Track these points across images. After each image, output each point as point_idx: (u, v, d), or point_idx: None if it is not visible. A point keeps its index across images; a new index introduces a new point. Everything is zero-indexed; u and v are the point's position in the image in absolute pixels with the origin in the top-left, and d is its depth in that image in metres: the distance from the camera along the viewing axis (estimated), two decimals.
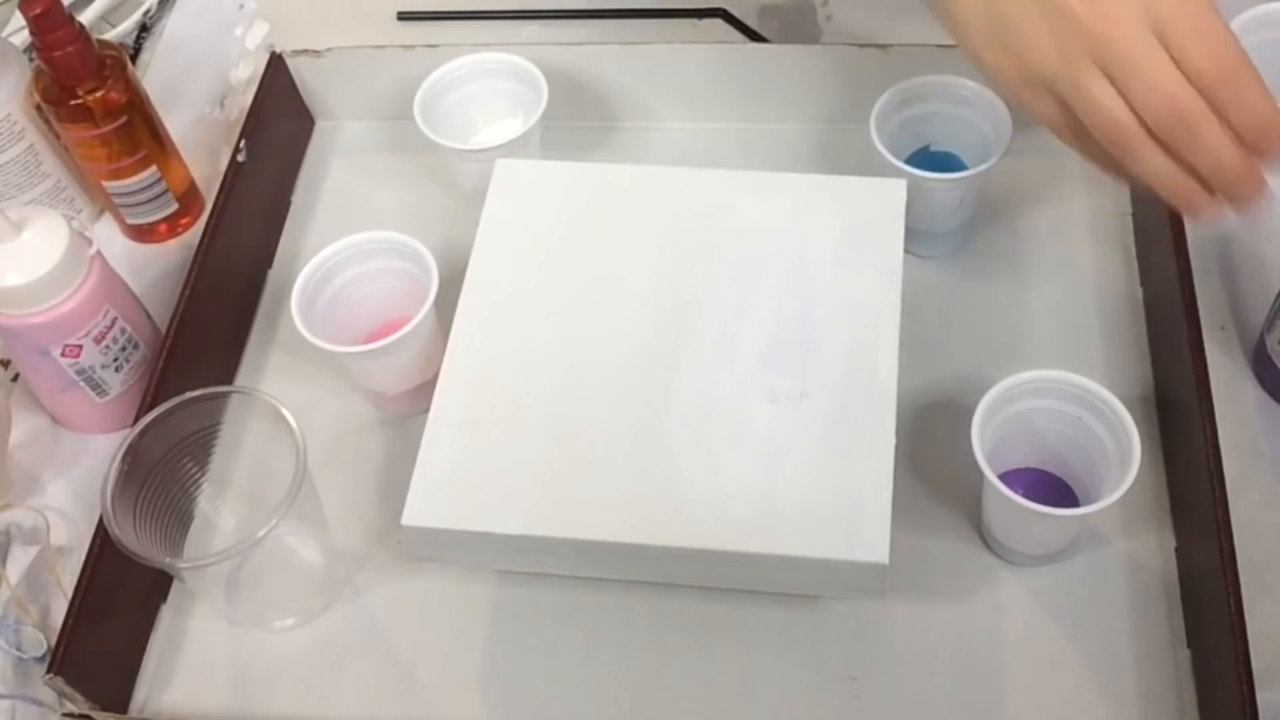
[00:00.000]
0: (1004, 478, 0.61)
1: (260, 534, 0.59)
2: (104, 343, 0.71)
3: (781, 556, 0.57)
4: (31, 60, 0.77)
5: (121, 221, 0.83)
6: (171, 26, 0.96)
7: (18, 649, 0.66)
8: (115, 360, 0.72)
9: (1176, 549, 0.65)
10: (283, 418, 0.62)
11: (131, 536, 0.60)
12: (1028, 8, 0.56)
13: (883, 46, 0.79)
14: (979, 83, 0.73)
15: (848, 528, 0.57)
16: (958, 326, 0.74)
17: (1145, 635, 0.63)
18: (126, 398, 0.73)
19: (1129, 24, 0.53)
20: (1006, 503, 0.59)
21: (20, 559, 0.69)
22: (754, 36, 0.88)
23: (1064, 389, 0.63)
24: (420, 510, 0.59)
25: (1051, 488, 0.66)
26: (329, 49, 0.84)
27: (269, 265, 0.82)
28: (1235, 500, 0.61)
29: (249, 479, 0.67)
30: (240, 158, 0.79)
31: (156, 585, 0.69)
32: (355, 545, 0.69)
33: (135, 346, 0.73)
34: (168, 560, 0.63)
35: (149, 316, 0.75)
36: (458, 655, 0.65)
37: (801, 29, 0.89)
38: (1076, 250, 0.76)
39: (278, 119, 0.84)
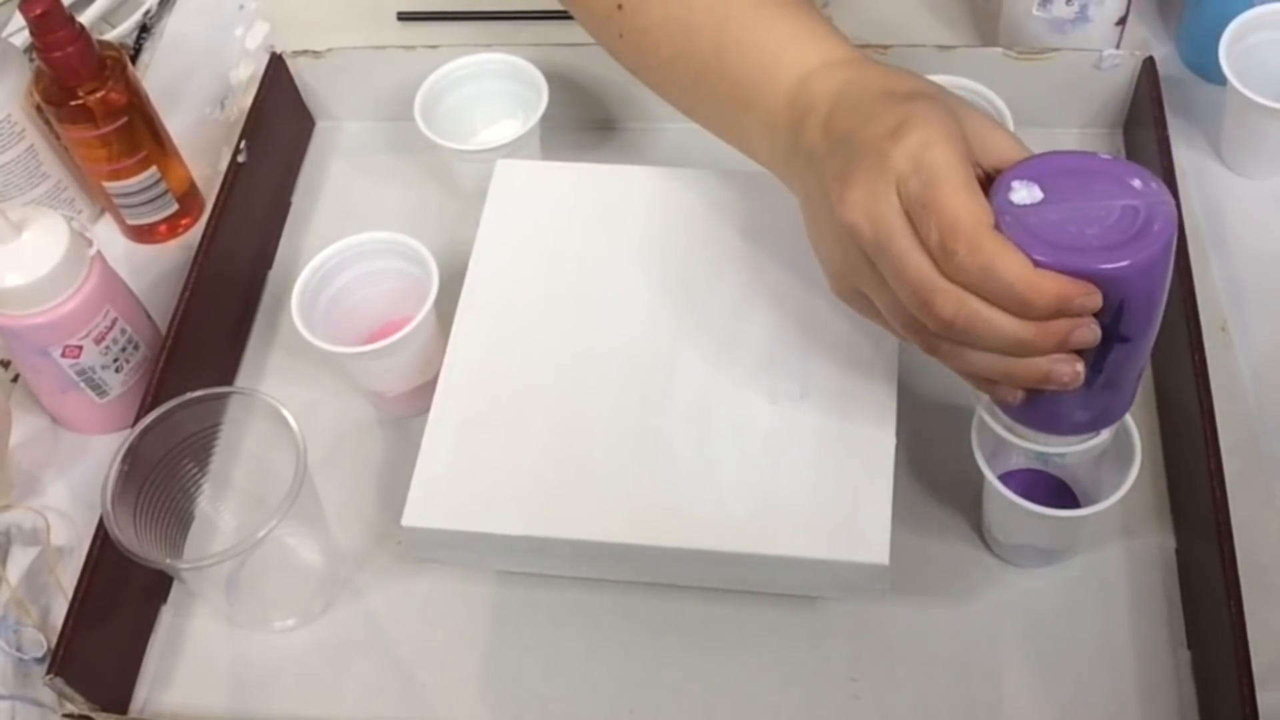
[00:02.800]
0: (1004, 478, 0.61)
1: (260, 534, 0.59)
2: (104, 343, 0.71)
3: (781, 557, 0.57)
4: (32, 61, 0.77)
5: (121, 222, 0.83)
6: (171, 27, 0.96)
7: (18, 650, 0.66)
8: (115, 361, 0.72)
9: (1176, 549, 0.65)
10: (283, 418, 0.62)
11: (131, 537, 0.60)
12: (823, 215, 0.53)
13: (882, 47, 0.79)
14: (979, 83, 0.73)
15: (848, 528, 0.57)
16: None
17: (1145, 635, 0.63)
18: (127, 398, 0.73)
19: (883, 219, 0.49)
20: (1007, 503, 0.59)
21: (20, 560, 0.69)
22: None
23: None
24: (420, 511, 0.59)
25: (1051, 488, 0.66)
26: (329, 49, 0.84)
27: (269, 266, 0.82)
28: (1235, 500, 0.61)
29: (249, 479, 0.67)
30: (240, 158, 0.79)
31: (156, 586, 0.69)
32: (355, 546, 0.69)
33: (135, 347, 0.73)
34: (168, 561, 0.63)
35: (149, 317, 0.75)
36: (458, 655, 0.65)
37: None
38: None
39: (278, 119, 0.84)
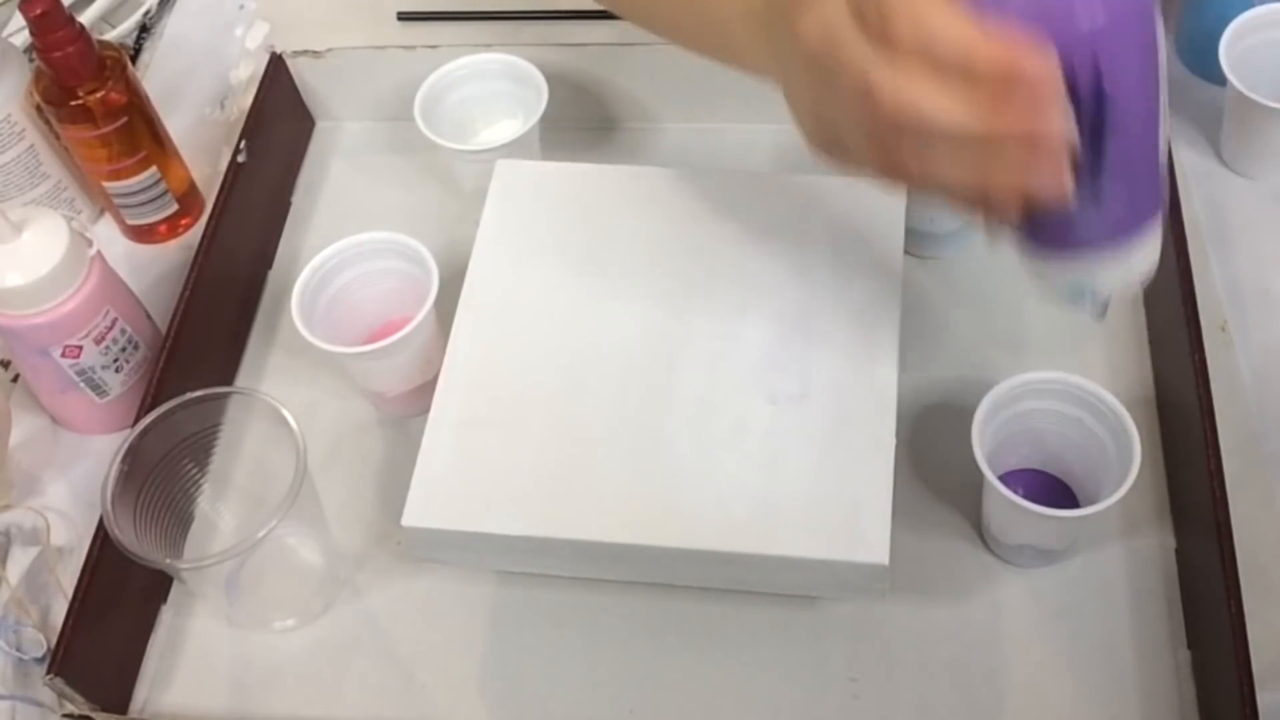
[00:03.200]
0: (1004, 478, 0.61)
1: (260, 534, 0.59)
2: (104, 343, 0.71)
3: (781, 557, 0.57)
4: (32, 61, 0.77)
5: (121, 222, 0.83)
6: (171, 27, 0.96)
7: (18, 650, 0.66)
8: (115, 361, 0.72)
9: (1176, 549, 0.65)
10: (283, 418, 0.62)
11: (131, 537, 0.60)
12: (794, 67, 0.50)
13: None
14: None
15: (848, 528, 0.57)
16: (958, 327, 0.74)
17: (1145, 635, 0.63)
18: (126, 398, 0.73)
19: (830, 23, 0.45)
20: (1006, 503, 0.59)
21: (20, 559, 0.69)
22: None
23: (1064, 390, 0.63)
24: (420, 511, 0.59)
25: (1052, 489, 0.66)
26: (329, 49, 0.84)
27: (269, 265, 0.82)
28: (1235, 500, 0.61)
29: (249, 479, 0.67)
30: (240, 158, 0.79)
31: (156, 586, 0.69)
32: (355, 545, 0.69)
33: (135, 347, 0.73)
34: (168, 561, 0.63)
35: (149, 317, 0.75)
36: (458, 655, 0.65)
37: None
38: None
39: (278, 119, 0.84)
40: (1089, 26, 0.42)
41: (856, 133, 0.47)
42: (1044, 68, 0.42)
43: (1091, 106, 0.43)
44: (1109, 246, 0.49)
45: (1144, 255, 0.50)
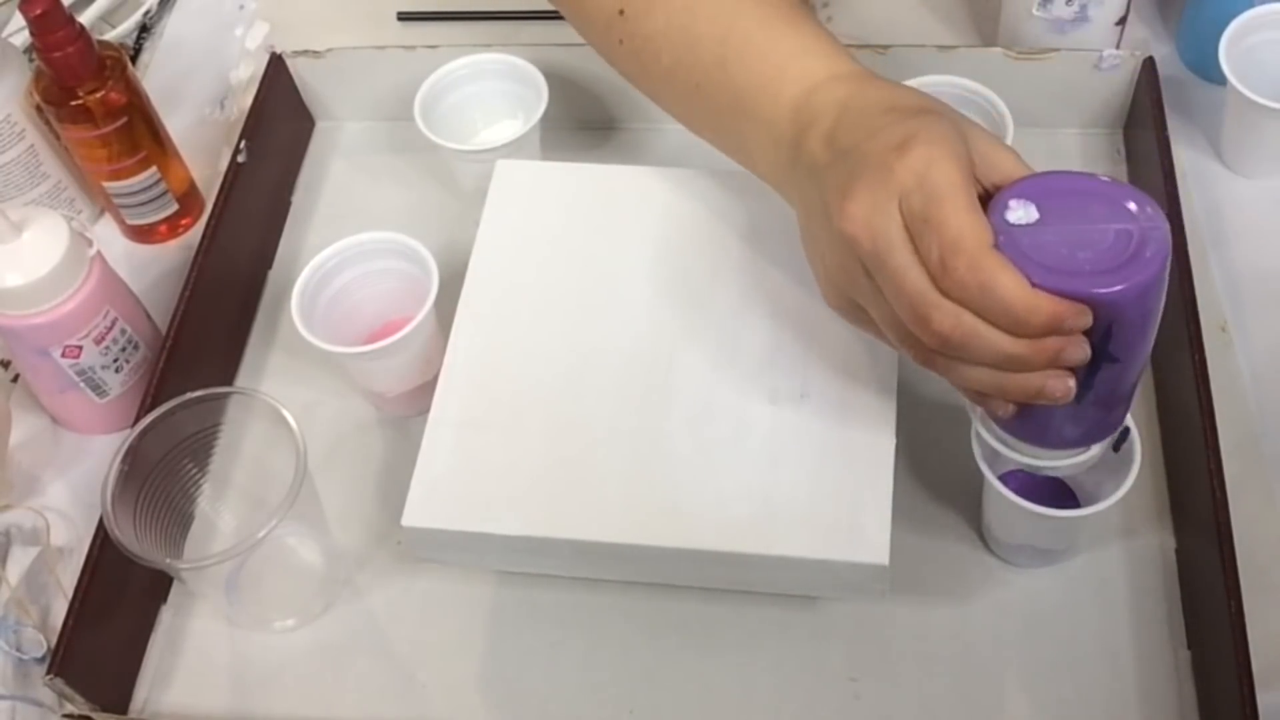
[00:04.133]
0: (1004, 478, 0.61)
1: (260, 534, 0.59)
2: (104, 343, 0.71)
3: (781, 557, 0.57)
4: (32, 61, 0.77)
5: (121, 222, 0.83)
6: (172, 27, 0.96)
7: (18, 650, 0.66)
8: (115, 361, 0.72)
9: (1176, 550, 0.65)
10: (283, 418, 0.62)
11: (131, 537, 0.60)
12: (821, 226, 0.53)
13: (882, 47, 0.78)
14: (979, 83, 0.73)
15: (848, 528, 0.57)
16: None
17: (1145, 635, 0.63)
18: (126, 398, 0.73)
19: (883, 232, 0.49)
20: (1007, 504, 0.59)
21: (20, 560, 0.69)
22: None
23: None
24: (420, 511, 0.59)
25: (1051, 489, 0.66)
26: (329, 49, 0.84)
27: (269, 265, 0.82)
28: (1235, 500, 0.61)
29: (249, 479, 0.67)
30: (240, 158, 0.79)
31: (156, 586, 0.69)
32: (355, 546, 0.69)
33: (135, 347, 0.73)
34: (168, 561, 0.63)
35: (149, 317, 0.75)
36: (458, 655, 0.65)
37: None
38: None
39: (278, 119, 0.84)
40: (1106, 300, 0.48)
41: (885, 317, 0.52)
42: (1085, 321, 0.48)
43: (1094, 352, 0.50)
44: (1073, 451, 0.56)
45: (1096, 452, 0.57)
